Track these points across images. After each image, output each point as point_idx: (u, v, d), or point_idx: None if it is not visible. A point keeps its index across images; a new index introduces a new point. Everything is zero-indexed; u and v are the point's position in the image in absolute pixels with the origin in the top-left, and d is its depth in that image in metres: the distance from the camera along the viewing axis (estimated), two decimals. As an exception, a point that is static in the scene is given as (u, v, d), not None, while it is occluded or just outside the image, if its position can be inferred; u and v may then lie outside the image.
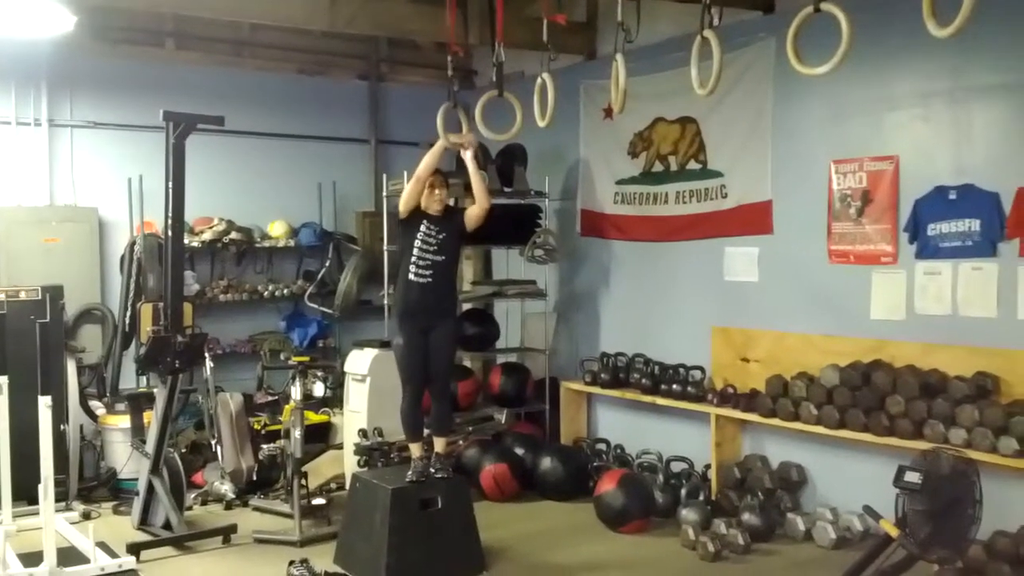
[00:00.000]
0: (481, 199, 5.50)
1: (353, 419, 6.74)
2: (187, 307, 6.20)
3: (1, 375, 5.22)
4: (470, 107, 5.53)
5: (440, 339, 5.48)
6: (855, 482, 5.77)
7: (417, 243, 5.43)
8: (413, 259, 5.43)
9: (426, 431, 5.66)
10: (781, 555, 5.62)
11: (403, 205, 5.49)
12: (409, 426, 5.59)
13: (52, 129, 7.77)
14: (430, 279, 5.40)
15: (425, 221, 5.44)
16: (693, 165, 7.01)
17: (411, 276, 5.44)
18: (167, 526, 5.88)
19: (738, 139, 6.62)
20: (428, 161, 5.49)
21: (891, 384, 5.45)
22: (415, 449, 5.50)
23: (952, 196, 5.36)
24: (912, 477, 4.40)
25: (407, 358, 5.52)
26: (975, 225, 5.26)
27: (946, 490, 4.37)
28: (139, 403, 6.66)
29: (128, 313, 7.44)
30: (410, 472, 5.33)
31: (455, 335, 5.77)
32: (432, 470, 5.35)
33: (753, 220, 6.53)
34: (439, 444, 5.57)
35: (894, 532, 4.45)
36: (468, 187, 5.93)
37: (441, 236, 5.41)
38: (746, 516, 5.84)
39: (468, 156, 5.63)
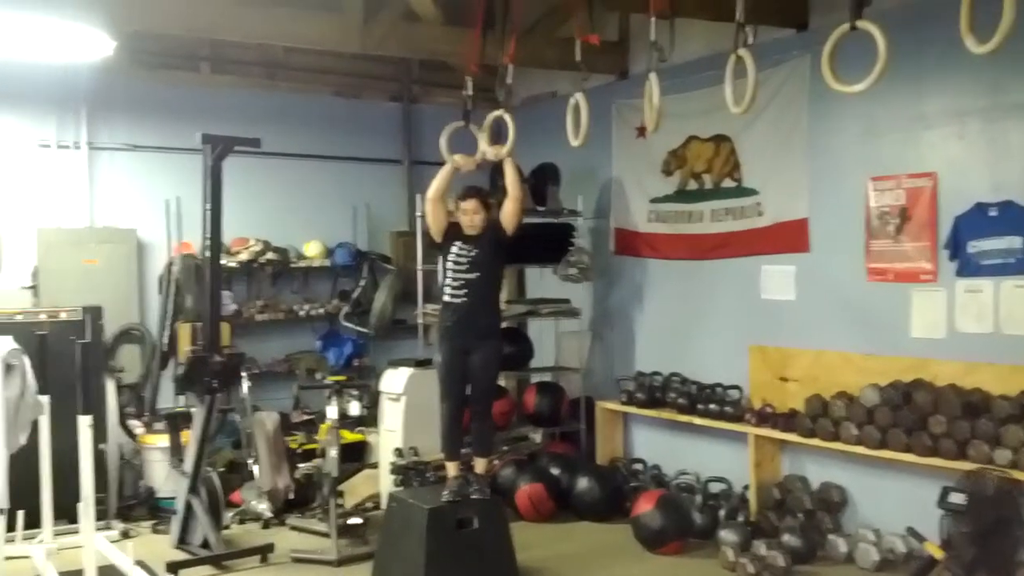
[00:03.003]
0: (513, 190, 5.43)
1: (388, 438, 6.75)
2: (224, 327, 6.28)
3: (43, 395, 5.28)
4: (502, 127, 5.54)
5: (481, 360, 5.44)
6: (897, 503, 5.69)
7: (450, 264, 5.45)
8: (448, 280, 5.46)
9: (464, 450, 5.64)
10: (822, 577, 5.55)
11: (431, 229, 5.52)
12: (447, 444, 5.59)
13: (92, 152, 7.89)
14: (465, 298, 5.40)
15: (458, 241, 5.45)
16: (728, 183, 6.97)
17: (446, 297, 5.47)
18: (205, 545, 5.91)
19: (773, 156, 6.59)
20: (437, 184, 5.54)
21: (933, 403, 5.37)
22: (451, 468, 5.50)
23: (993, 213, 5.29)
24: (957, 498, 4.35)
25: (445, 378, 5.55)
26: (1017, 242, 5.18)
27: (991, 511, 4.31)
28: (177, 422, 6.71)
29: (166, 333, 7.52)
30: (446, 491, 5.32)
31: (496, 356, 5.62)
32: (469, 491, 5.33)
33: (789, 238, 6.48)
34: (479, 465, 5.55)
35: (939, 554, 4.39)
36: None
37: (473, 253, 5.41)
38: (786, 537, 5.77)
39: (505, 160, 5.56)
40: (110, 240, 7.78)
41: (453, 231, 5.50)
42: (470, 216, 5.42)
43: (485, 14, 5.60)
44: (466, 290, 5.38)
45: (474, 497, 5.32)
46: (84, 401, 5.20)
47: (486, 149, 5.59)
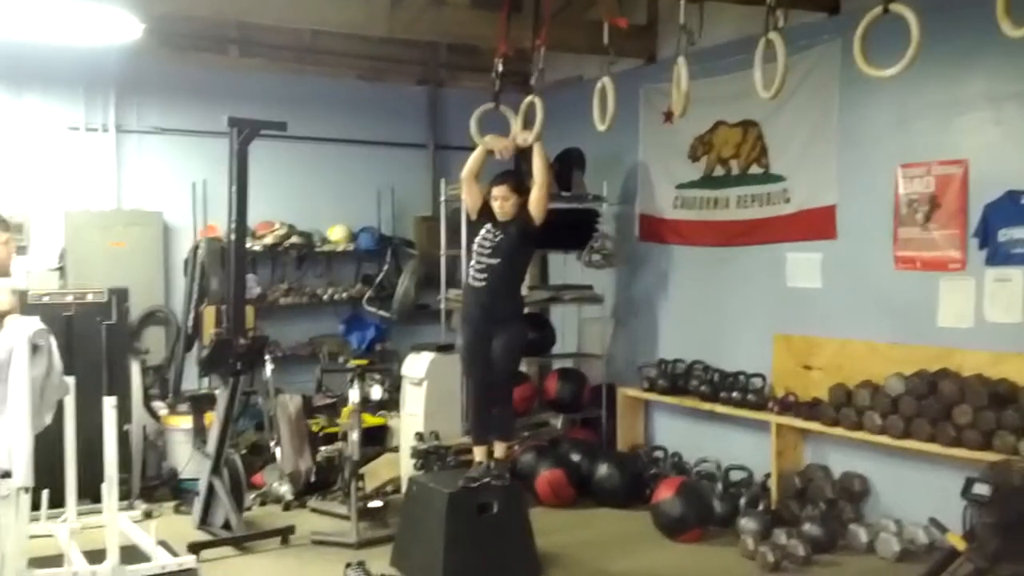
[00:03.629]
0: (540, 177, 5.39)
1: (410, 422, 6.76)
2: (249, 310, 6.29)
3: (68, 376, 5.32)
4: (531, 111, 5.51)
5: (501, 345, 5.39)
6: (920, 493, 5.64)
7: (475, 247, 5.45)
8: (472, 263, 5.46)
9: None
10: (843, 567, 5.51)
11: (467, 207, 5.54)
12: (473, 429, 5.62)
13: (119, 135, 7.94)
14: (485, 283, 5.38)
15: (488, 224, 5.44)
16: (755, 169, 6.91)
17: (469, 280, 5.47)
18: (227, 526, 5.95)
19: (801, 143, 6.52)
20: (469, 164, 5.53)
21: (959, 393, 5.31)
22: (477, 453, 5.49)
23: (1024, 201, 5.22)
24: (981, 489, 4.30)
25: (467, 362, 5.58)
26: (1048, 231, 5.12)
27: (1016, 503, 4.25)
28: (201, 404, 6.76)
29: (191, 316, 7.56)
30: (465, 476, 5.31)
31: (517, 341, 5.54)
32: (488, 476, 5.33)
33: (816, 225, 6.42)
34: (498, 449, 5.54)
35: (961, 546, 4.35)
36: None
37: (498, 239, 5.38)
38: (807, 526, 5.73)
39: (534, 145, 5.48)
40: (137, 223, 7.83)
41: (487, 211, 5.48)
42: (500, 202, 5.39)
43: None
44: (487, 275, 5.37)
45: (491, 482, 5.32)
46: (109, 382, 5.28)
47: (517, 133, 5.56)
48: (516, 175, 5.64)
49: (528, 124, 5.55)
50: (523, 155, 5.90)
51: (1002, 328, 5.34)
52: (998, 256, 5.34)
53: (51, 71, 7.49)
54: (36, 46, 6.78)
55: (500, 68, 5.63)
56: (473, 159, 5.56)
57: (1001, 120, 5.40)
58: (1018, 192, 5.24)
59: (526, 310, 7.60)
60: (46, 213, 7.56)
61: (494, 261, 5.36)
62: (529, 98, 5.37)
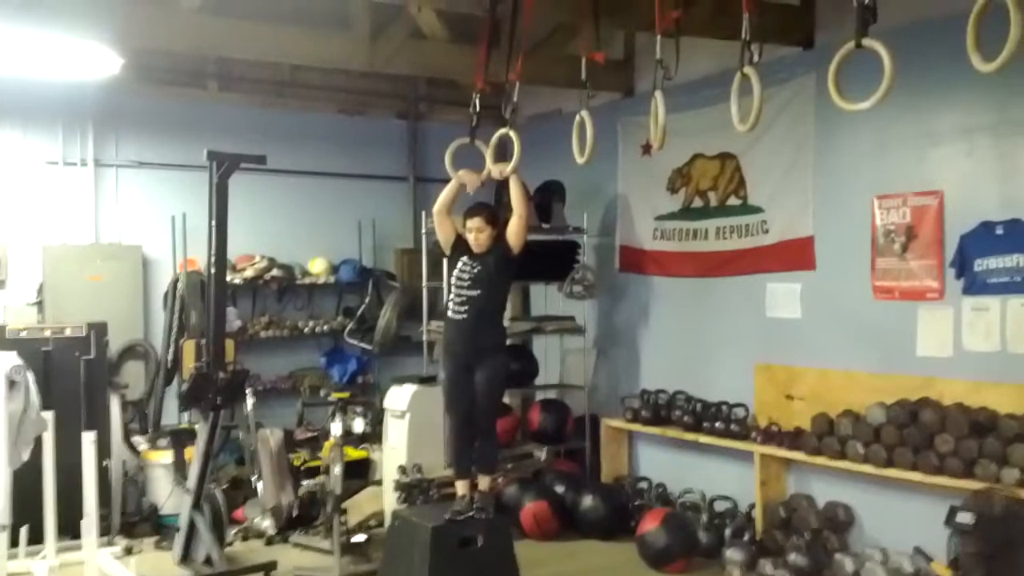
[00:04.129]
0: (517, 207, 5.41)
1: (392, 455, 6.73)
2: (229, 343, 6.26)
3: (46, 410, 5.28)
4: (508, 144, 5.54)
5: (483, 377, 5.38)
6: (904, 522, 5.65)
7: (454, 279, 5.46)
8: (451, 296, 5.46)
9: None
10: (828, 597, 5.50)
11: (440, 241, 5.54)
12: (454, 462, 5.59)
13: (98, 169, 7.92)
14: (465, 315, 5.38)
15: (465, 256, 5.45)
16: (733, 201, 6.97)
17: (449, 313, 5.46)
18: (208, 562, 5.88)
19: (779, 174, 6.58)
20: (442, 198, 5.56)
21: (940, 422, 5.33)
22: (460, 487, 5.46)
23: (999, 231, 5.27)
24: (964, 518, 4.33)
25: (449, 395, 5.54)
26: (1023, 260, 5.17)
27: (999, 531, 4.28)
28: (181, 439, 6.70)
29: (171, 350, 7.53)
30: (450, 510, 5.29)
31: (499, 373, 5.53)
32: (472, 510, 5.30)
33: (795, 256, 6.47)
34: (482, 482, 5.52)
35: (946, 574, 4.35)
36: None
37: (476, 270, 5.39)
38: (792, 556, 5.72)
39: (511, 176, 5.50)
40: (116, 256, 7.79)
41: (461, 244, 5.49)
42: (475, 234, 5.41)
43: (491, 31, 5.61)
44: (467, 306, 5.37)
45: (477, 517, 5.30)
46: (88, 417, 5.23)
47: (491, 167, 5.59)
48: (489, 207, 5.67)
49: (504, 156, 5.59)
50: (504, 187, 5.94)
51: (981, 357, 5.38)
52: (975, 286, 5.40)
53: (29, 105, 7.48)
54: (14, 80, 6.77)
55: (477, 104, 5.67)
56: (446, 193, 5.59)
57: (974, 152, 5.47)
58: (992, 223, 5.31)
59: (508, 341, 7.61)
60: (24, 247, 7.52)
61: (474, 293, 5.36)
62: (502, 130, 5.41)
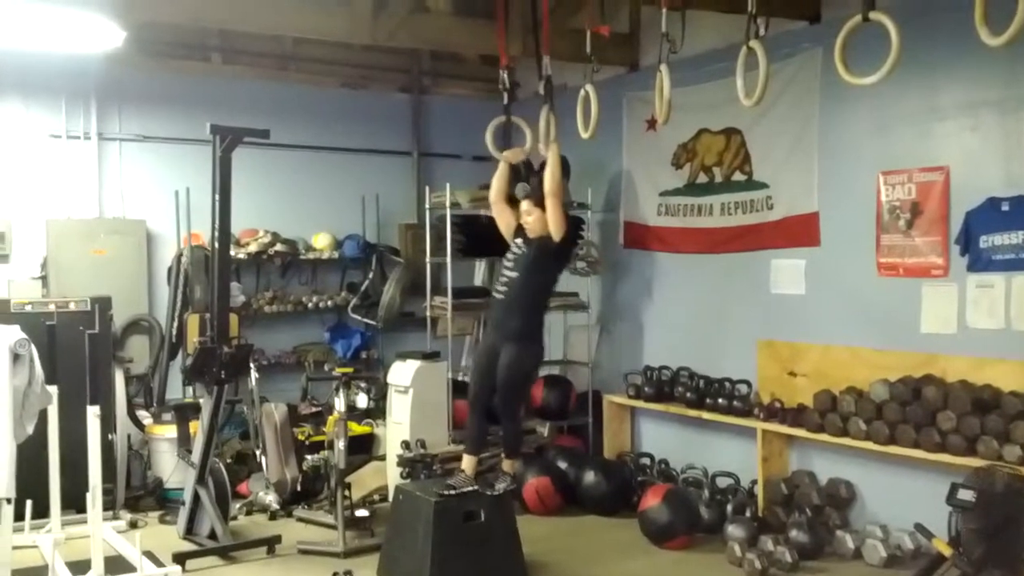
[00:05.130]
0: (547, 183, 5.24)
1: (396, 430, 6.75)
2: (233, 318, 6.27)
3: (51, 385, 5.29)
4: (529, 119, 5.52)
5: (505, 360, 5.31)
6: (906, 499, 5.66)
7: (504, 260, 5.46)
8: (499, 275, 5.47)
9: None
10: (830, 573, 5.53)
11: (502, 230, 5.51)
12: (465, 437, 5.61)
13: (101, 142, 7.89)
14: (503, 296, 5.39)
15: (517, 239, 5.43)
16: (738, 176, 6.94)
17: (494, 293, 5.49)
18: (212, 536, 5.92)
19: (784, 150, 6.55)
20: (494, 185, 5.52)
21: (942, 399, 5.34)
22: (465, 462, 5.44)
23: (1005, 207, 5.25)
24: (965, 495, 4.33)
25: (473, 367, 5.58)
26: (1029, 237, 5.15)
27: (1001, 509, 4.28)
28: (185, 413, 6.72)
29: (175, 324, 7.54)
30: (445, 483, 5.29)
31: (522, 362, 5.37)
32: (468, 486, 5.27)
33: (800, 232, 6.45)
34: (506, 464, 5.55)
35: (947, 551, 4.37)
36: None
37: (520, 252, 5.37)
38: (794, 533, 5.75)
39: (550, 150, 5.40)
40: (119, 231, 7.79)
41: (522, 230, 5.45)
42: (525, 217, 5.37)
43: (505, 5, 5.56)
44: (507, 288, 5.37)
45: (499, 487, 5.30)
46: (92, 391, 5.22)
47: (534, 143, 5.53)
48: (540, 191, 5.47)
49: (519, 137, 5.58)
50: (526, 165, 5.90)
51: (985, 334, 5.37)
52: (980, 262, 5.38)
53: (32, 78, 7.44)
54: (17, 54, 6.74)
55: (506, 80, 5.64)
56: (496, 179, 5.54)
57: (979, 127, 5.44)
58: (999, 199, 5.28)
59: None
60: (28, 222, 7.51)
61: (513, 275, 5.36)
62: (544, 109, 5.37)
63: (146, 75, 7.96)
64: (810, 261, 6.41)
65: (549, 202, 5.21)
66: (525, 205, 5.36)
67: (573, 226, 5.66)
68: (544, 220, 5.29)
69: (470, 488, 5.28)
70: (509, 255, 5.43)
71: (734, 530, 5.89)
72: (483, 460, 5.73)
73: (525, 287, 5.34)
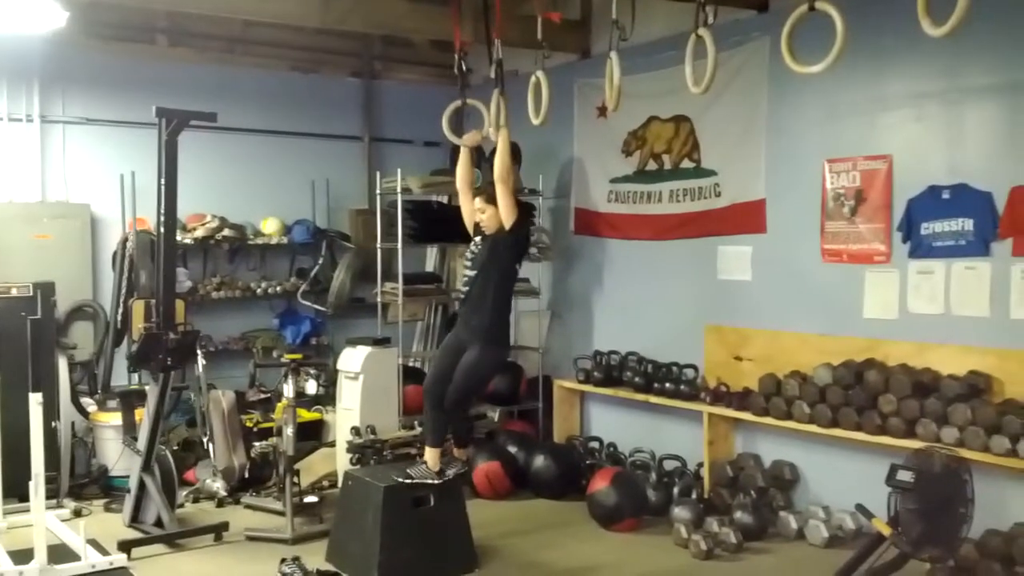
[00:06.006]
0: (496, 169, 5.13)
1: (346, 417, 6.73)
2: (179, 304, 6.19)
3: (-8, 372, 5.21)
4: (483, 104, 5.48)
5: (465, 360, 5.22)
6: (847, 481, 5.78)
7: (463, 259, 5.44)
8: (462, 275, 5.47)
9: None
10: (773, 553, 5.63)
11: (465, 221, 5.46)
12: (424, 429, 5.59)
13: (44, 125, 7.73)
14: (465, 295, 5.36)
15: (477, 237, 5.39)
16: (687, 164, 7.01)
17: (460, 293, 5.52)
18: (159, 523, 5.86)
19: (732, 138, 6.62)
20: (459, 172, 5.44)
21: (884, 383, 5.45)
22: (428, 455, 5.32)
23: (945, 196, 5.37)
24: (904, 476, 4.43)
25: (434, 361, 5.57)
26: (968, 224, 5.27)
27: (938, 489, 4.39)
28: (131, 400, 6.63)
29: (120, 310, 7.43)
30: (405, 471, 5.27)
31: (481, 364, 5.25)
32: (427, 478, 5.23)
33: (746, 219, 6.53)
34: (457, 453, 5.53)
35: (886, 531, 4.47)
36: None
37: (477, 249, 5.32)
38: (738, 514, 5.84)
39: (500, 135, 5.29)
40: (63, 215, 7.64)
41: (476, 226, 5.39)
42: (479, 215, 5.29)
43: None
44: (468, 287, 5.32)
45: (450, 472, 5.27)
46: (35, 378, 5.14)
47: (492, 129, 5.44)
48: (491, 186, 5.33)
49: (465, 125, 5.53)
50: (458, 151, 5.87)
51: (925, 319, 5.50)
52: (920, 249, 5.50)
53: (-28, 60, 7.28)
54: (-44, 33, 6.58)
55: (463, 64, 5.59)
56: (460, 166, 5.44)
57: (923, 117, 5.55)
58: (939, 187, 5.40)
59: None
60: (-32, 205, 7.35)
61: (472, 273, 5.30)
62: (496, 93, 5.33)
63: (90, 57, 7.81)
64: (756, 247, 6.50)
65: (498, 188, 5.13)
66: (478, 203, 5.26)
67: (524, 212, 5.56)
68: (498, 217, 5.19)
69: (432, 480, 5.23)
70: (468, 254, 5.37)
71: (680, 512, 5.97)
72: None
73: (484, 282, 5.25)
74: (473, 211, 5.35)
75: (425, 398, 5.48)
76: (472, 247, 5.39)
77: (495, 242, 5.25)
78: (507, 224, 5.18)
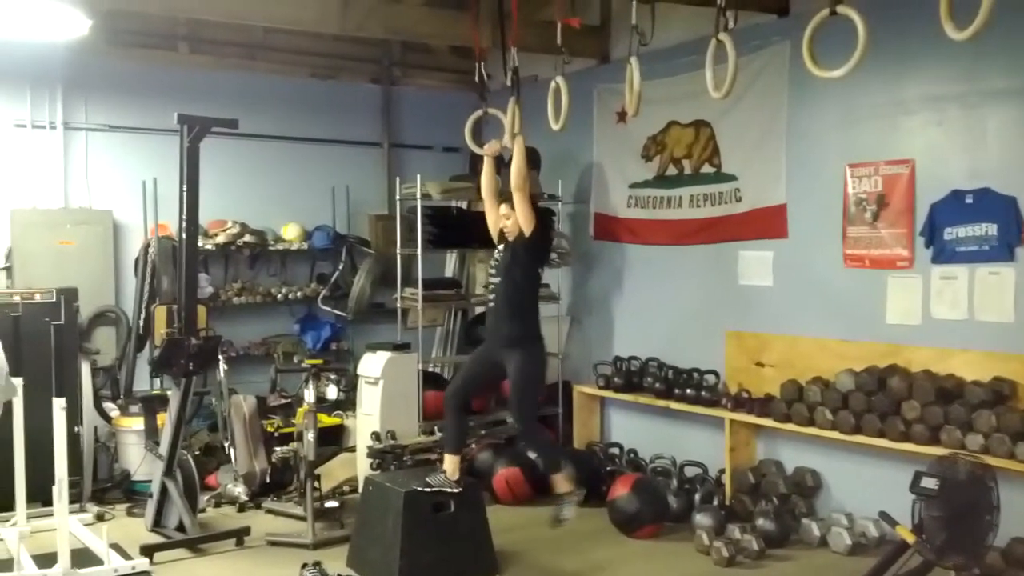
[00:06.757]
0: (512, 178, 5.17)
1: (366, 422, 6.74)
2: (201, 309, 6.22)
3: (16, 377, 5.24)
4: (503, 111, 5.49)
5: (513, 371, 5.20)
6: (870, 487, 5.74)
7: (489, 268, 5.45)
8: (488, 284, 5.47)
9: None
10: (796, 561, 5.59)
11: (491, 230, 5.47)
12: (444, 436, 5.56)
13: (67, 132, 7.80)
14: (493, 303, 5.37)
15: (500, 245, 5.41)
16: (707, 169, 6.98)
17: (487, 303, 5.51)
18: (180, 528, 5.89)
19: (752, 142, 6.60)
20: (484, 182, 5.45)
21: (907, 389, 5.41)
22: (447, 461, 5.32)
23: (969, 200, 5.33)
24: (929, 483, 4.38)
25: (462, 369, 5.58)
26: (992, 229, 5.23)
27: (963, 496, 4.34)
28: (153, 405, 6.68)
29: (142, 315, 7.47)
30: (425, 479, 5.26)
31: (531, 368, 5.25)
32: (447, 486, 5.22)
33: (767, 224, 6.50)
34: (560, 484, 5.37)
35: (910, 538, 4.42)
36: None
37: (501, 257, 5.34)
38: (760, 521, 5.81)
39: (515, 142, 5.32)
40: (86, 221, 7.70)
41: (501, 233, 5.41)
42: (503, 221, 5.33)
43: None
44: (495, 295, 5.34)
45: (567, 512, 5.26)
46: (58, 383, 5.17)
47: (508, 137, 5.46)
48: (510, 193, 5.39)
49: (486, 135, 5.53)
50: (480, 160, 5.88)
51: (948, 325, 5.45)
52: (944, 254, 5.46)
53: (-4, 67, 7.35)
54: (-19, 42, 6.65)
55: (484, 73, 5.60)
56: (485, 176, 5.46)
57: (944, 121, 5.51)
58: (963, 191, 5.35)
59: (481, 309, 7.50)
60: (-8, 212, 7.42)
61: (497, 280, 5.32)
62: (512, 100, 5.34)
63: (113, 64, 7.87)
64: (777, 253, 6.47)
65: (516, 196, 5.16)
66: (503, 209, 5.30)
67: (543, 218, 5.58)
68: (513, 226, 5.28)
69: (452, 489, 5.22)
70: (492, 262, 5.40)
71: (702, 519, 5.95)
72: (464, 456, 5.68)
73: (511, 289, 5.28)
74: (498, 218, 5.37)
75: (446, 404, 5.48)
76: (496, 255, 5.40)
77: (516, 249, 5.28)
78: (526, 231, 5.23)
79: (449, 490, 5.22)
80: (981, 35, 3.35)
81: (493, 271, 5.37)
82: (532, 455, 5.48)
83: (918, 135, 5.64)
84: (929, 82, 5.56)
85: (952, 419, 5.17)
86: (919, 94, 5.61)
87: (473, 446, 6.98)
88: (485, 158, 5.54)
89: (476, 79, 5.65)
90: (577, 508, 5.35)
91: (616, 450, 7.39)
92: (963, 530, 4.31)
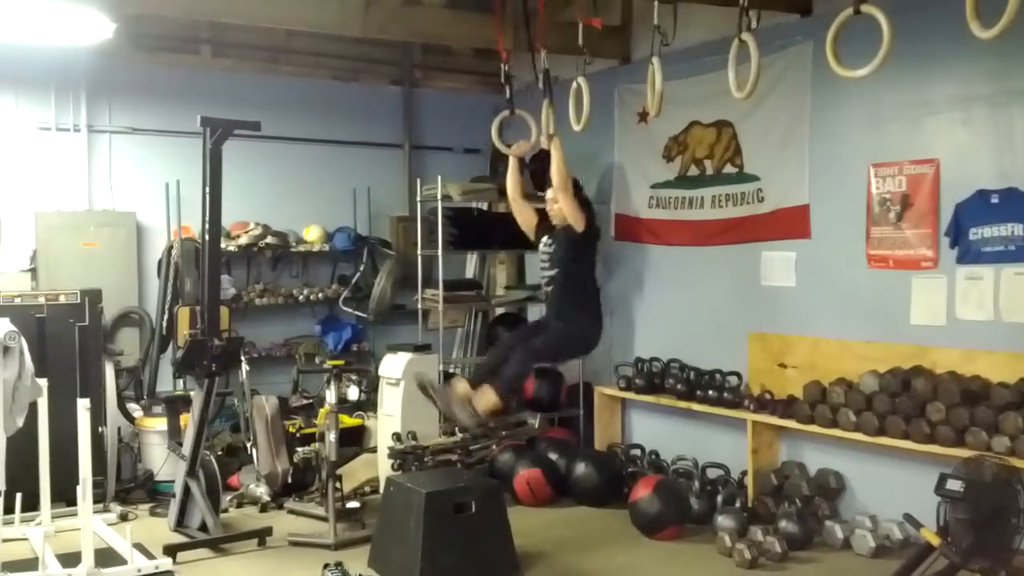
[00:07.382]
0: (554, 179, 5.37)
1: (387, 423, 6.75)
2: (223, 311, 6.26)
3: (41, 378, 5.28)
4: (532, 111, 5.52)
5: (551, 328, 5.57)
6: (895, 490, 5.69)
7: (539, 258, 5.55)
8: (540, 273, 5.59)
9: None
10: (819, 563, 5.55)
11: (524, 229, 5.57)
12: (483, 364, 5.79)
13: (91, 135, 7.86)
14: (550, 291, 5.52)
15: (545, 236, 5.48)
16: (729, 169, 6.95)
17: (542, 287, 5.76)
18: (203, 528, 5.92)
19: (775, 143, 6.56)
20: (510, 183, 5.52)
21: (932, 391, 5.36)
22: (480, 394, 5.45)
23: (994, 200, 5.27)
24: (954, 485, 4.34)
25: (518, 329, 5.97)
26: (1018, 230, 5.17)
27: (989, 499, 4.30)
28: (176, 406, 6.71)
29: (165, 317, 7.53)
30: (456, 406, 5.43)
31: (562, 332, 5.62)
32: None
33: (790, 224, 6.46)
34: (486, 393, 5.48)
35: (935, 541, 4.39)
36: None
37: (551, 248, 5.44)
38: (783, 523, 5.77)
39: (552, 145, 5.48)
40: (109, 223, 7.76)
41: (544, 225, 5.51)
42: (549, 204, 5.42)
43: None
44: (550, 287, 5.49)
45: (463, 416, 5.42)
46: (82, 384, 5.21)
47: (540, 137, 5.54)
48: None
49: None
50: (502, 159, 5.92)
51: (973, 326, 5.40)
52: (969, 255, 5.40)
53: (21, 71, 7.41)
54: (6, 46, 6.71)
55: (508, 73, 5.63)
56: (510, 176, 5.55)
57: (970, 121, 5.45)
58: (988, 191, 5.30)
59: (501, 310, 7.55)
60: (17, 214, 7.48)
61: (552, 272, 5.46)
62: (545, 104, 5.41)
63: (136, 67, 7.93)
64: (800, 253, 6.43)
65: (561, 198, 5.35)
66: (550, 193, 5.45)
67: (590, 212, 5.85)
68: (568, 209, 5.47)
69: (471, 421, 5.43)
70: (542, 254, 5.51)
71: (724, 521, 5.92)
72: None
73: (565, 278, 5.51)
74: (530, 217, 5.48)
75: (494, 348, 5.59)
76: (544, 247, 5.46)
77: (571, 240, 5.48)
78: (578, 228, 5.44)
79: (469, 424, 5.37)
80: (1008, 34, 3.32)
81: (546, 263, 5.43)
82: (511, 364, 5.51)
83: (943, 135, 5.59)
84: (954, 81, 5.51)
85: (978, 421, 5.12)
86: (944, 93, 5.56)
87: (494, 447, 6.97)
88: (510, 159, 5.57)
89: (502, 80, 5.67)
90: (470, 418, 5.45)
91: (638, 451, 7.37)
92: (989, 533, 4.27)
